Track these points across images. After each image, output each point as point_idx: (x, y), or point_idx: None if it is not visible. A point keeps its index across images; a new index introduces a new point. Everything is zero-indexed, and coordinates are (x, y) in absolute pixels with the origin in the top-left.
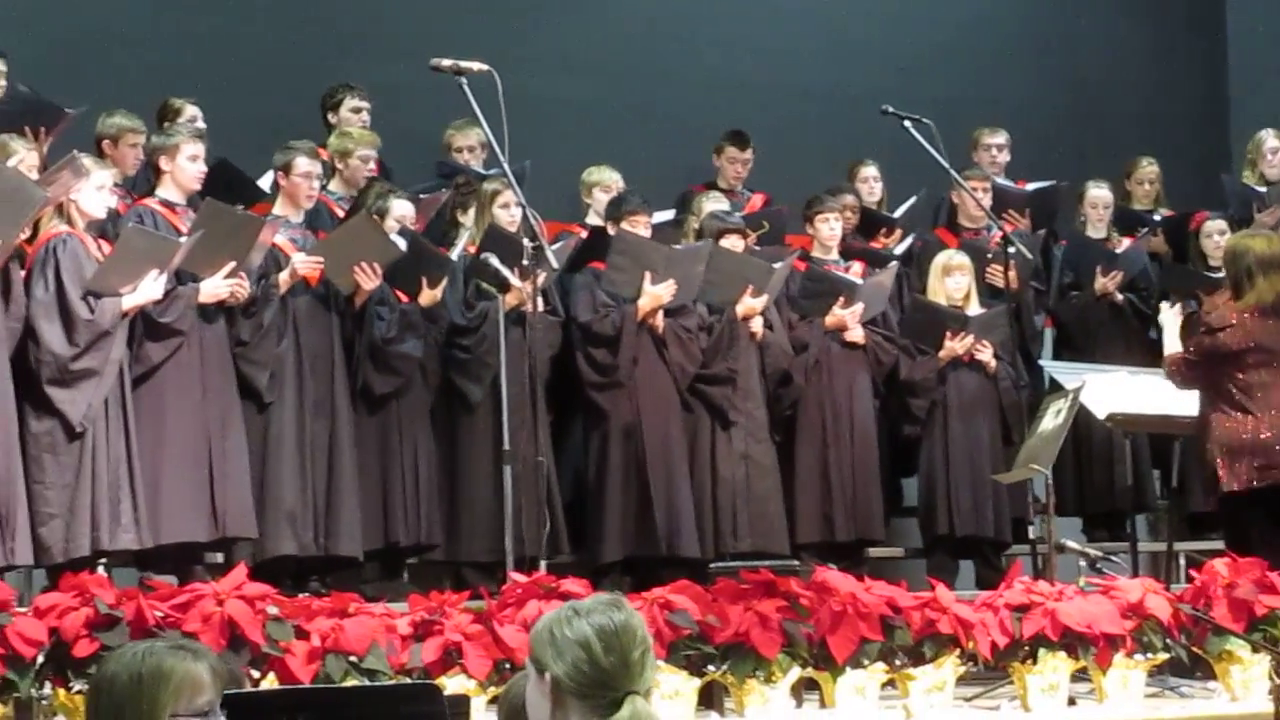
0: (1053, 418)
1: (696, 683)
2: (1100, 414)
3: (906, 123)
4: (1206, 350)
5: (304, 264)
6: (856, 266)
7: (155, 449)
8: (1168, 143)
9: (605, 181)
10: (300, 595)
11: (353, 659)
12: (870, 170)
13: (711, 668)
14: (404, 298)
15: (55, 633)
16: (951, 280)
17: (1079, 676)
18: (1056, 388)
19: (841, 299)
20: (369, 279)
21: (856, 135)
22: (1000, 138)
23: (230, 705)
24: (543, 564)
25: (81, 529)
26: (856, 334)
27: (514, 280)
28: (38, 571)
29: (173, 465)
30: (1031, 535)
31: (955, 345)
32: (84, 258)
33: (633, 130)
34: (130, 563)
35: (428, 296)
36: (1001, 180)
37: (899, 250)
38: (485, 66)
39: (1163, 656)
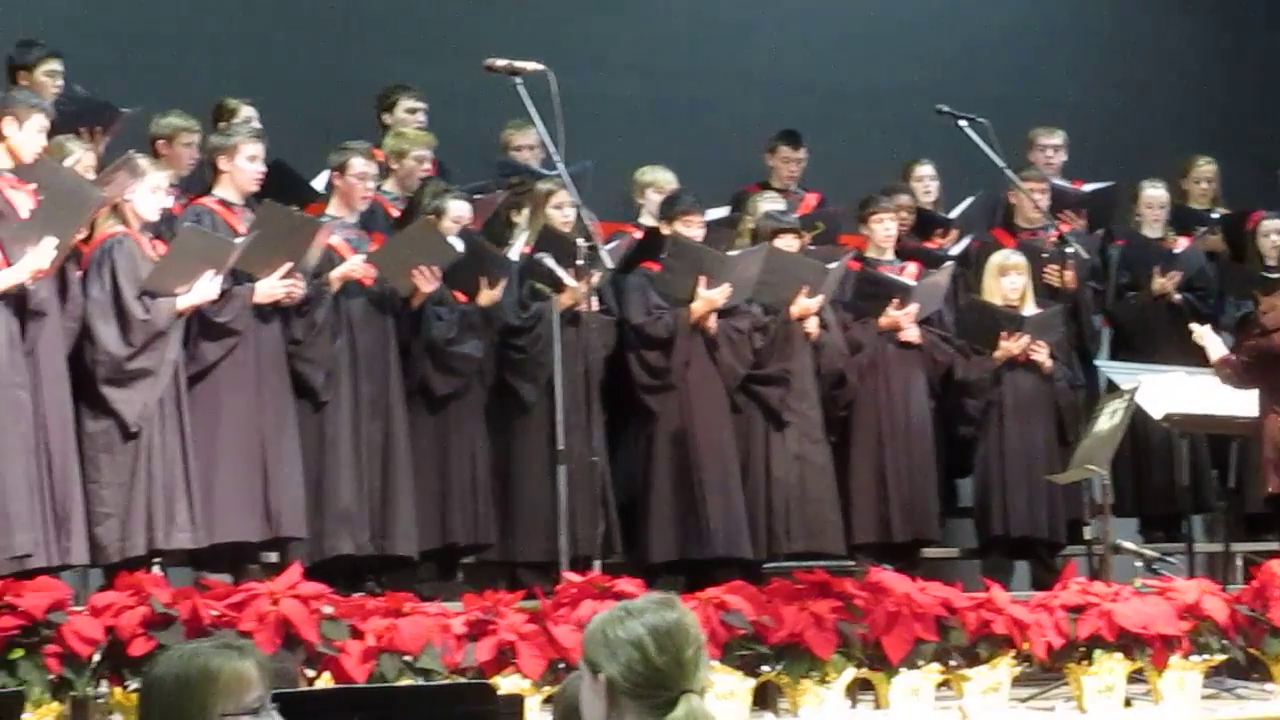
0: (1108, 418)
1: (751, 683)
2: (1156, 414)
3: (962, 122)
4: (1261, 351)
5: (359, 268)
6: (911, 267)
7: (210, 448)
8: (1224, 141)
9: (659, 182)
10: (355, 595)
11: (407, 658)
12: (926, 170)
13: (766, 668)
14: (462, 298)
15: (111, 632)
16: (1007, 280)
17: (1135, 678)
18: (1113, 388)
19: (896, 300)
20: (427, 281)
21: (911, 135)
22: (1056, 138)
23: (285, 705)
24: (597, 564)
25: (137, 528)
26: (911, 334)
27: (568, 280)
28: (94, 571)
29: (227, 465)
30: (1087, 536)
31: (1011, 346)
32: (139, 258)
33: (685, 130)
34: (185, 562)
35: (487, 297)
36: (1058, 181)
37: (955, 251)
38: (540, 66)
39: (1219, 658)
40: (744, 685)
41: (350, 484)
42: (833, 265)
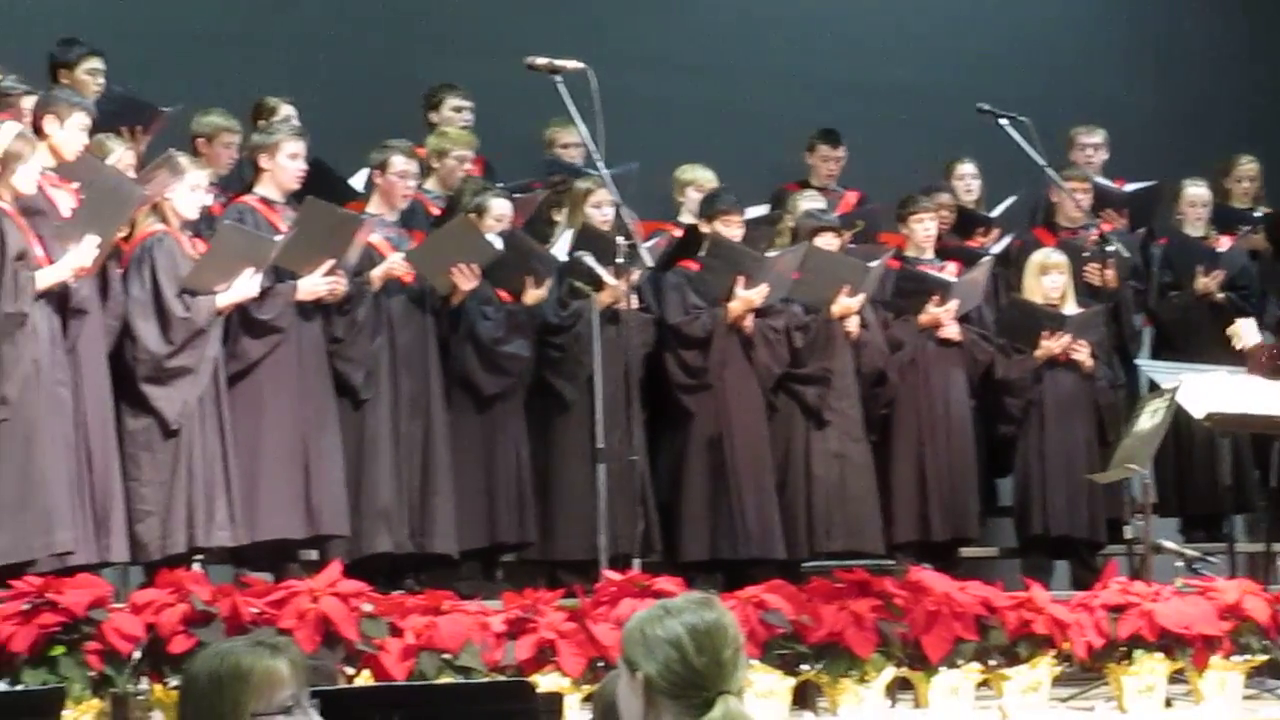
0: (1149, 418)
1: (790, 682)
2: (1198, 414)
3: (1003, 121)
4: None
5: (399, 266)
6: (951, 266)
7: (251, 446)
8: (1267, 140)
9: (698, 180)
10: (394, 593)
11: (447, 656)
12: (968, 168)
13: (805, 667)
14: (505, 297)
15: (152, 629)
16: (1048, 279)
17: (1176, 678)
18: (1155, 388)
19: (936, 297)
20: (466, 279)
21: (951, 133)
22: (1097, 137)
23: (326, 702)
24: (636, 563)
25: (177, 526)
26: (951, 331)
27: (608, 279)
28: (134, 568)
29: (268, 462)
30: (1128, 535)
31: (1051, 345)
32: (179, 256)
33: (725, 128)
34: (226, 559)
35: (534, 296)
36: (1100, 179)
37: (996, 249)
38: (580, 65)
39: (1261, 658)
40: (783, 684)
41: (389, 482)
42: (873, 264)
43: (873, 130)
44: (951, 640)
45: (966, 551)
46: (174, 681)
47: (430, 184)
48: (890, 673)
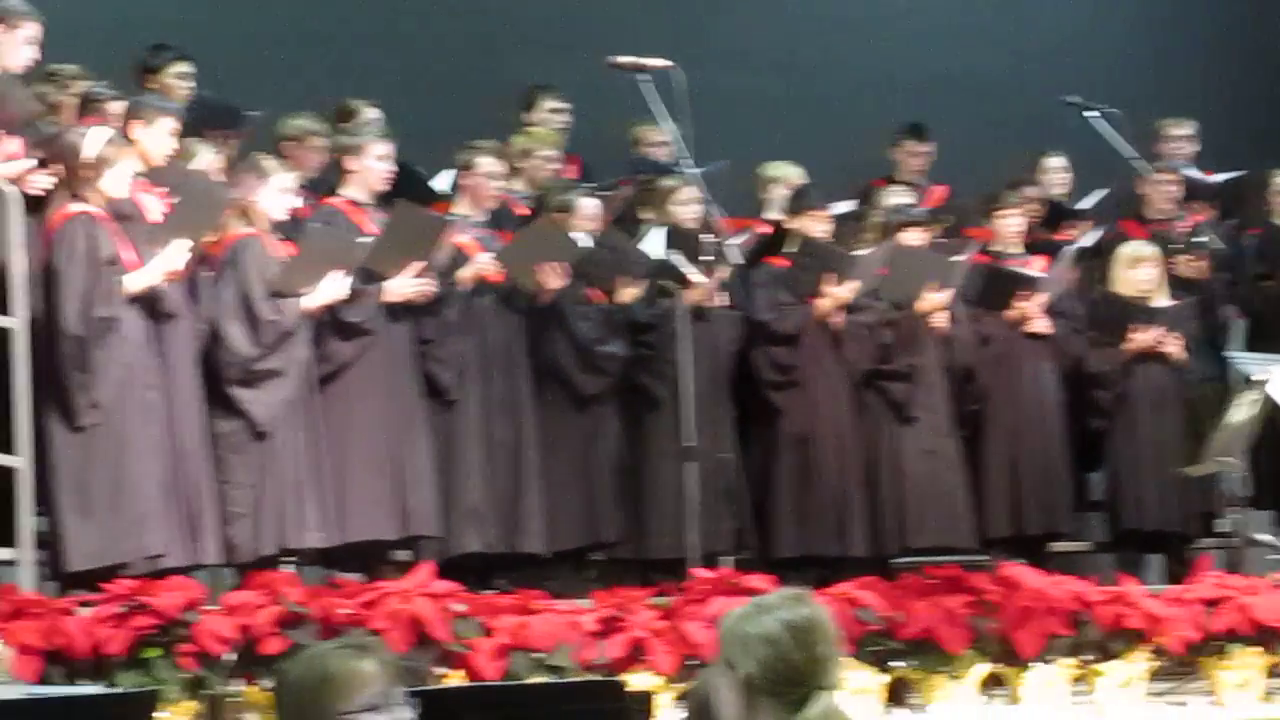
0: (1242, 410)
1: (883, 679)
2: None
3: (1092, 113)
4: None
5: (488, 266)
6: (1039, 261)
7: (342, 448)
8: None
9: (785, 177)
10: (485, 593)
11: (539, 656)
12: (1058, 161)
13: (897, 663)
14: (597, 297)
15: (245, 631)
16: (1139, 272)
17: (1274, 672)
18: (1247, 380)
19: (1024, 291)
20: (555, 278)
21: (1040, 126)
22: (1187, 128)
23: (421, 702)
24: (727, 560)
25: (268, 528)
26: (1041, 325)
27: (696, 277)
28: (226, 570)
29: (359, 464)
30: (1221, 529)
31: (1142, 338)
32: (267, 259)
33: (812, 124)
34: (317, 561)
35: (628, 295)
36: (1190, 171)
37: (1086, 242)
38: (665, 63)
39: None
40: (876, 681)
41: (479, 482)
42: (959, 259)
43: (961, 124)
44: (1045, 635)
45: (1058, 546)
46: (267, 683)
47: (517, 184)
48: (983, 668)
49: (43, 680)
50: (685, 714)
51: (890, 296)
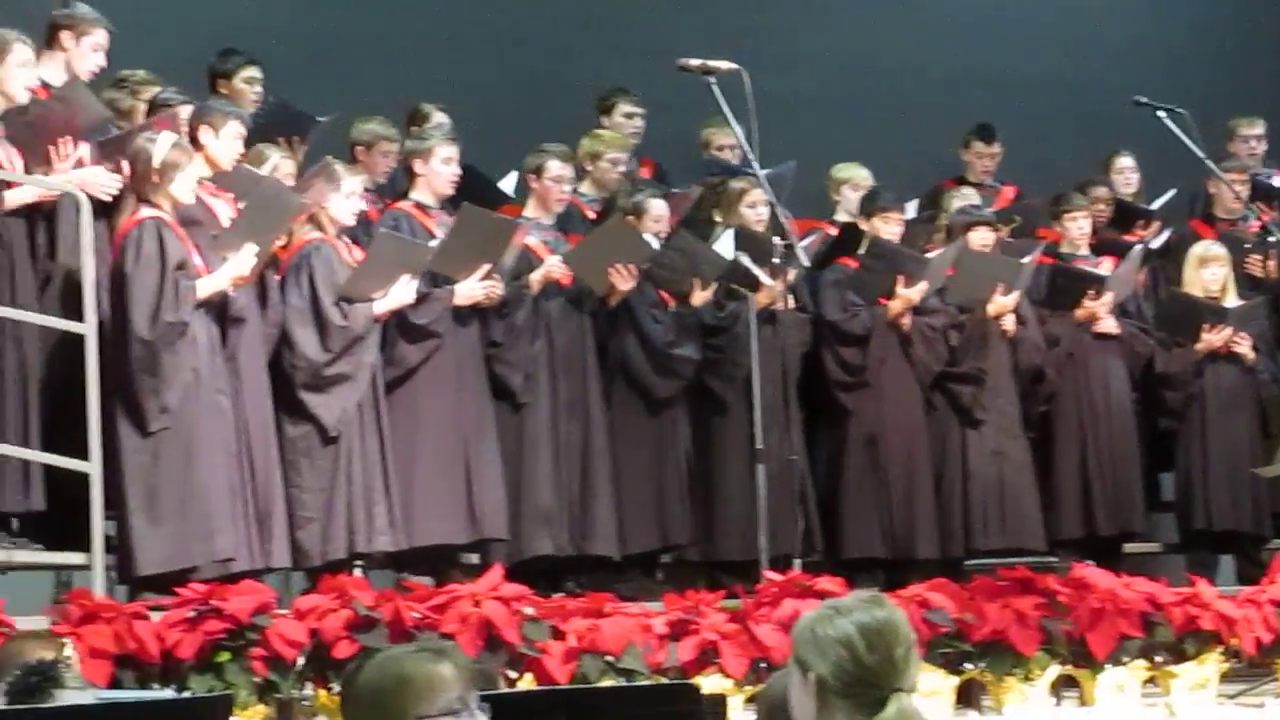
0: None
1: (954, 681)
2: None
3: (1160, 113)
4: None
5: (557, 268)
6: (1108, 261)
7: (411, 451)
8: None
9: (854, 179)
10: (555, 596)
11: (609, 659)
12: (1126, 161)
13: (969, 666)
14: (667, 299)
15: (315, 634)
16: (1208, 271)
17: None
18: None
19: (1092, 291)
20: (624, 280)
21: (1109, 126)
22: (1258, 128)
23: (491, 705)
24: (797, 563)
25: (338, 532)
26: (1109, 325)
27: (764, 279)
28: (296, 574)
29: (428, 467)
30: None
31: (1212, 338)
32: (337, 264)
33: (880, 125)
34: (387, 564)
35: (700, 298)
36: (1259, 171)
37: (1156, 243)
38: (733, 65)
39: None
40: (947, 683)
41: (549, 484)
42: (1025, 260)
43: (1030, 124)
44: (1117, 637)
45: (1129, 547)
46: (338, 687)
47: (585, 187)
48: (1055, 670)
49: (114, 684)
50: (757, 717)
51: (957, 300)
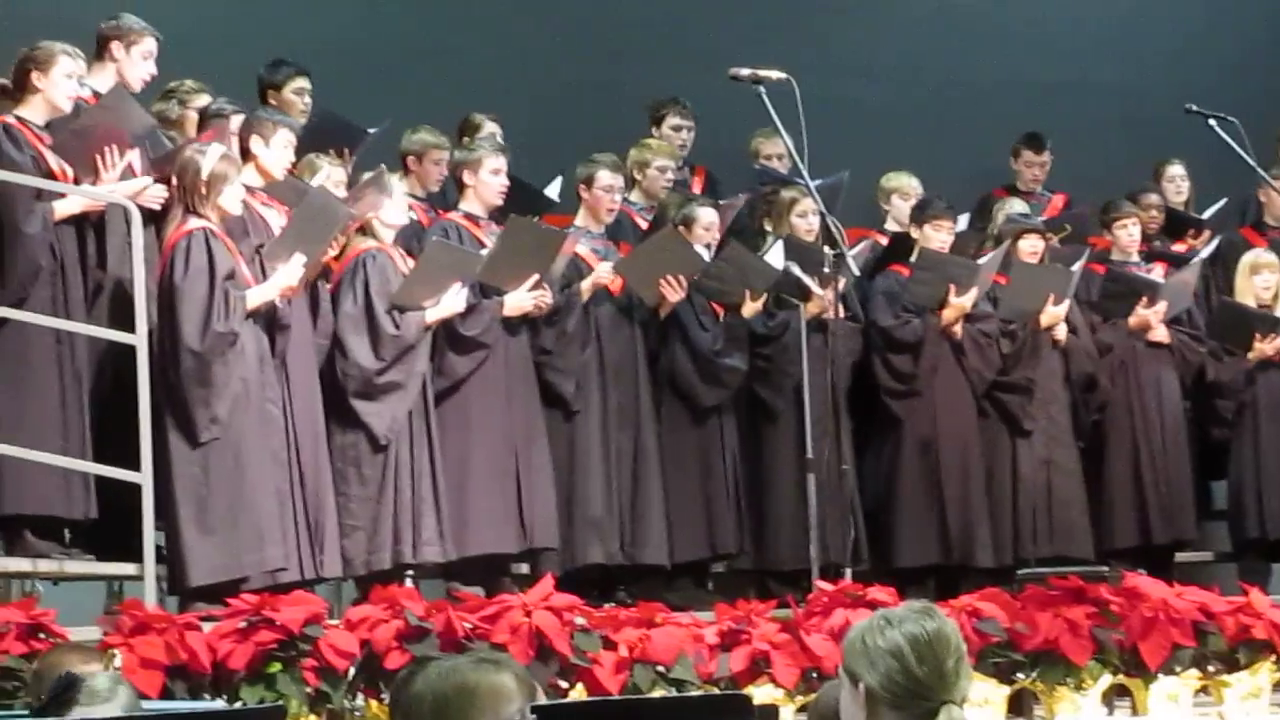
0: None
1: (1006, 690)
2: None
3: (1211, 121)
4: None
5: (607, 275)
6: (1158, 269)
7: (461, 461)
8: None
9: (904, 188)
10: (606, 605)
11: (660, 669)
12: (1177, 169)
13: (1021, 675)
14: (718, 310)
15: (367, 645)
16: (1260, 279)
17: None
18: None
19: (1144, 299)
20: (674, 291)
21: (1160, 134)
22: None
23: (539, 716)
24: (848, 572)
25: (383, 542)
26: (1160, 333)
27: (815, 288)
28: (347, 584)
29: (478, 478)
30: None
31: (1264, 346)
32: (390, 272)
33: (930, 134)
34: (438, 574)
35: (750, 309)
36: None
37: (1206, 252)
38: (783, 74)
39: None
40: (999, 693)
41: (600, 493)
42: (1074, 267)
43: (1081, 132)
44: (1169, 646)
45: (1181, 556)
46: (389, 697)
47: (634, 196)
48: (1107, 680)
49: (165, 695)
50: None
51: (1011, 313)
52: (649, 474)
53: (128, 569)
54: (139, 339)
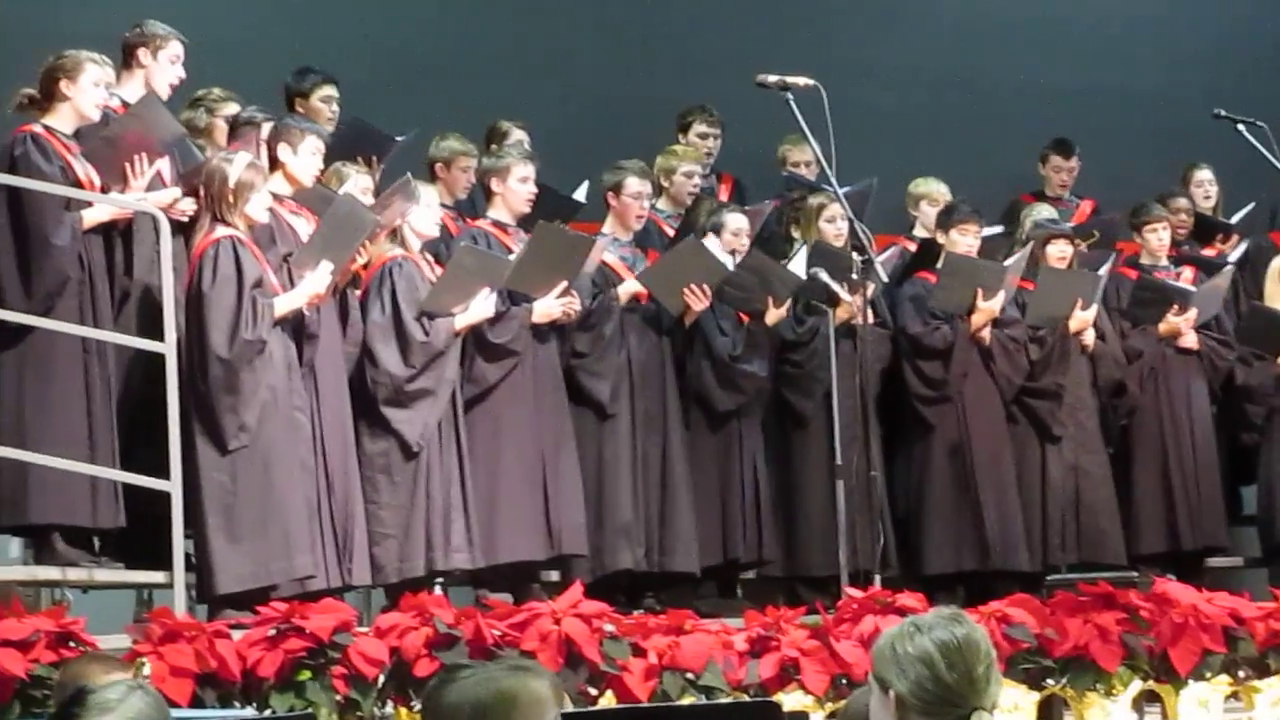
0: None
1: (1036, 696)
2: None
3: (1240, 126)
4: None
5: (638, 286)
6: (1187, 273)
7: (490, 469)
8: None
9: (933, 194)
10: (635, 612)
11: (690, 676)
12: (1205, 174)
13: (1051, 681)
14: (742, 319)
15: (396, 652)
16: None
17: None
18: None
19: (1175, 305)
20: (698, 300)
21: (1187, 139)
22: None
23: None
24: (877, 578)
25: (415, 549)
26: (1190, 340)
27: (843, 295)
28: (376, 591)
29: (508, 485)
30: None
31: None
32: (418, 280)
33: (960, 140)
34: (467, 581)
35: (773, 316)
36: None
37: (1235, 256)
38: (811, 81)
39: None
40: (1028, 699)
41: (630, 499)
42: (1101, 271)
43: (1109, 137)
44: (1199, 652)
45: (1211, 561)
46: (419, 704)
47: (662, 203)
48: (1137, 685)
49: (195, 703)
50: None
51: (1038, 320)
52: (676, 481)
53: (157, 577)
54: (168, 347)
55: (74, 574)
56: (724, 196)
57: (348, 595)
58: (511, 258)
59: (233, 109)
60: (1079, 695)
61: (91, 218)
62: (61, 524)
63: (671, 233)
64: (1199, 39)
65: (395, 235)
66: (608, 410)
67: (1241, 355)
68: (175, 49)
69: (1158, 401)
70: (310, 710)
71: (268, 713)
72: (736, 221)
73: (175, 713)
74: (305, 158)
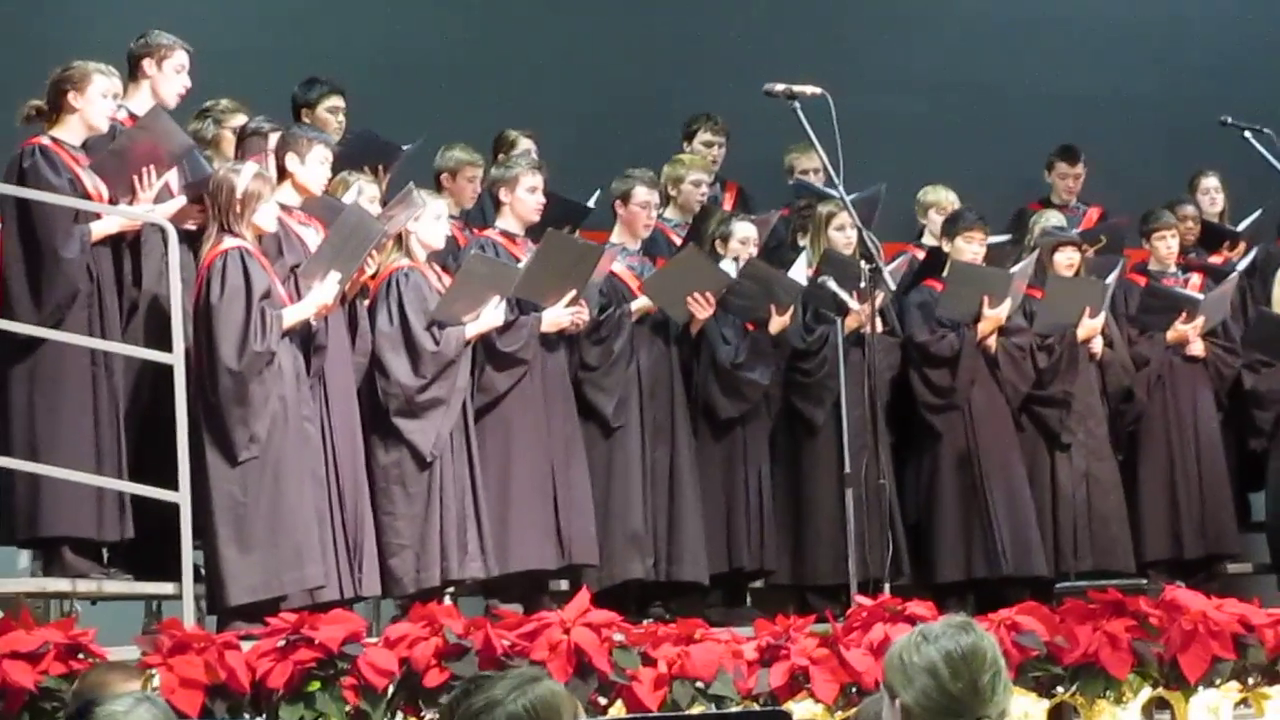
0: None
1: (1046, 704)
2: None
3: (1247, 133)
4: None
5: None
6: (1195, 279)
7: (501, 477)
8: None
9: (941, 202)
10: (645, 621)
11: (700, 685)
12: (1211, 181)
13: (1060, 689)
14: (748, 328)
15: (406, 663)
16: None
17: None
18: None
19: (1184, 313)
20: (702, 309)
21: (1194, 146)
22: None
23: None
24: (886, 586)
25: (432, 559)
26: (1197, 348)
27: (852, 303)
28: (385, 602)
29: (518, 494)
30: None
31: None
32: (426, 289)
33: (968, 147)
34: (476, 591)
35: (778, 324)
36: None
37: (1243, 264)
38: (818, 90)
39: None
40: (1039, 706)
41: (639, 509)
42: (1109, 279)
43: (1116, 145)
44: (1209, 659)
45: (1230, 568)
46: (430, 715)
47: (669, 211)
48: (1147, 693)
49: (205, 714)
50: None
51: (1047, 328)
52: (685, 490)
53: (166, 588)
54: (176, 358)
55: (83, 586)
56: (728, 205)
57: (357, 605)
58: (521, 266)
59: (240, 120)
60: (1089, 703)
61: (100, 230)
62: (70, 536)
63: (679, 241)
64: (1206, 46)
65: (401, 245)
66: (612, 424)
67: (1248, 361)
68: (180, 58)
69: (1164, 410)
70: None
71: None
72: (745, 230)
73: None
74: (313, 167)
